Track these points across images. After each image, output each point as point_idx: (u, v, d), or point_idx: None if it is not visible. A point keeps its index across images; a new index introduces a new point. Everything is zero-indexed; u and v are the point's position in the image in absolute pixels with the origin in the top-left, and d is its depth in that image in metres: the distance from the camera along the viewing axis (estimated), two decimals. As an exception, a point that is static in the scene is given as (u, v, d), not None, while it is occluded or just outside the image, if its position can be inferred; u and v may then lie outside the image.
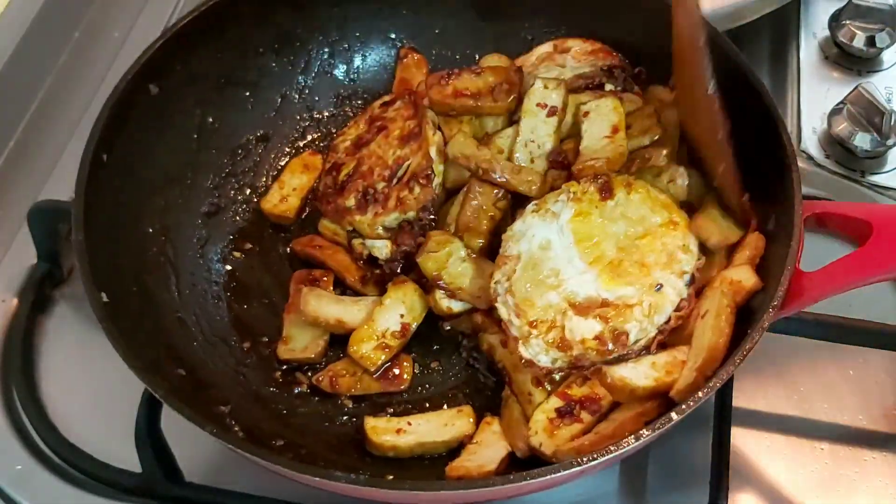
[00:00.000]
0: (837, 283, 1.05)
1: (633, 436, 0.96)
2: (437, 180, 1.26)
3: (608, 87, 1.30)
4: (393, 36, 1.44)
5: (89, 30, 1.62)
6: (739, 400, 1.20)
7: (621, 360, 1.09)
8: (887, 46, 1.50)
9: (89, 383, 1.27)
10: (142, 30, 1.63)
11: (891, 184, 1.40)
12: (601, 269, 1.10)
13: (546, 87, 1.25)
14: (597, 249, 1.12)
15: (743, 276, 1.10)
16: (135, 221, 1.22)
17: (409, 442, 1.13)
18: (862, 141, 1.39)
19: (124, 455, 1.16)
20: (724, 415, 1.17)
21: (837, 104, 1.43)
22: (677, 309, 1.10)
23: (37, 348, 1.31)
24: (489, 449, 1.11)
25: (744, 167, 1.20)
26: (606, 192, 1.14)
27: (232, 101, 1.31)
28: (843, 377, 1.27)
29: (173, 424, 1.13)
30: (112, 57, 1.59)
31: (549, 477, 0.94)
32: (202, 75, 1.30)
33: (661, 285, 1.10)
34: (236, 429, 1.13)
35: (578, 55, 1.33)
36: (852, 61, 1.52)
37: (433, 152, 1.26)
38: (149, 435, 1.13)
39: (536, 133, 1.24)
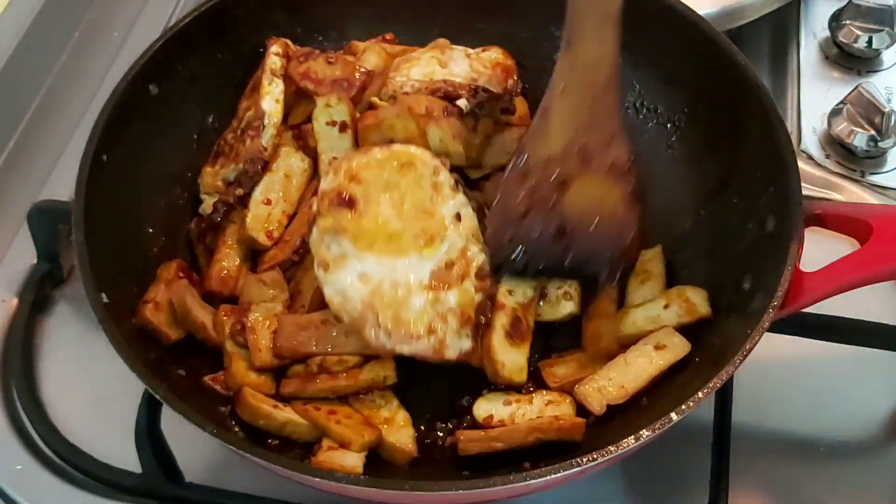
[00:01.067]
0: (837, 283, 1.05)
1: (632, 436, 0.96)
2: (269, 132, 1.24)
3: (461, 102, 1.23)
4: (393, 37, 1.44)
5: (89, 30, 1.61)
6: (739, 400, 1.20)
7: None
8: (887, 46, 1.51)
9: (89, 383, 1.27)
10: (142, 30, 1.63)
11: (891, 184, 1.40)
12: (415, 249, 1.09)
13: (329, 104, 1.22)
14: (394, 242, 1.09)
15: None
16: (135, 221, 1.22)
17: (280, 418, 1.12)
18: (862, 141, 1.39)
19: (124, 455, 1.16)
20: (724, 415, 1.17)
21: (837, 104, 1.43)
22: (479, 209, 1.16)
23: (37, 348, 1.30)
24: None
25: (744, 167, 1.20)
26: (349, 204, 1.10)
27: (232, 102, 1.31)
28: (843, 377, 1.27)
29: (173, 424, 1.13)
30: (112, 57, 1.59)
31: (549, 477, 0.94)
32: (202, 75, 1.30)
33: (457, 214, 1.12)
34: (236, 429, 1.13)
35: (478, 61, 1.27)
36: (852, 61, 1.52)
37: (265, 103, 1.25)
38: (149, 435, 1.13)
39: (337, 150, 1.22)
